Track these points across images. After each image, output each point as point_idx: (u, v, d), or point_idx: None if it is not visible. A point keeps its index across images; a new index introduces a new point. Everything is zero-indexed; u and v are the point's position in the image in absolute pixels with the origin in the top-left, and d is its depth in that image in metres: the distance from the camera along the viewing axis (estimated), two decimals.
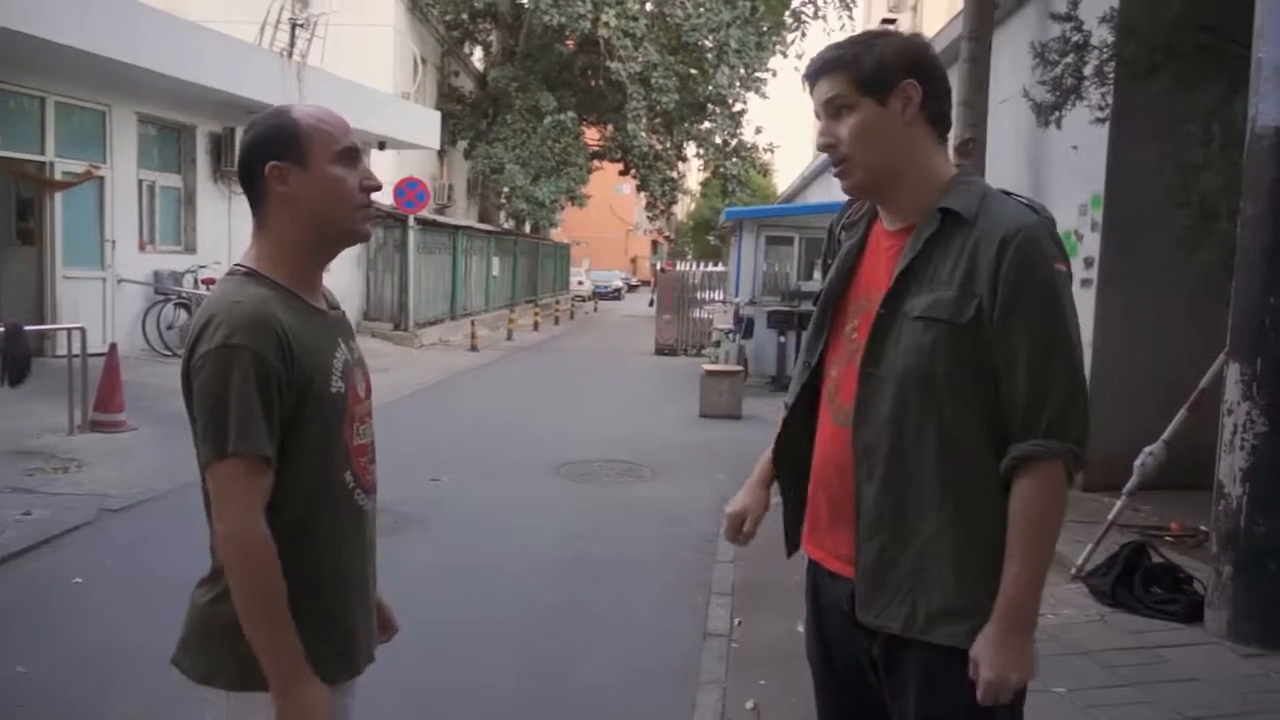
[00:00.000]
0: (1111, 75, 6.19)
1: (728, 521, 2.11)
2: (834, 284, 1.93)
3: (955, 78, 8.03)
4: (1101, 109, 6.33)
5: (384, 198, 18.49)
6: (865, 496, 1.79)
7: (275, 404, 1.66)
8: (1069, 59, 6.26)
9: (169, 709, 3.81)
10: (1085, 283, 6.99)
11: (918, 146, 1.80)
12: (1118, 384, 6.63)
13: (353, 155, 1.79)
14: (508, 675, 4.22)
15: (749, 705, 3.89)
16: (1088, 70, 6.23)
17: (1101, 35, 6.17)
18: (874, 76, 1.77)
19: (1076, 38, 6.26)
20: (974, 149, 7.60)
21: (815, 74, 1.84)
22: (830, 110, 1.81)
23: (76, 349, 8.58)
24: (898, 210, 1.85)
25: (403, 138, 18.37)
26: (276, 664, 1.64)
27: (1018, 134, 8.01)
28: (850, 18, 26.15)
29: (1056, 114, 6.47)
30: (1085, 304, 6.92)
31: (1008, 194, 1.81)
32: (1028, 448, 1.67)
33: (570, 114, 26.54)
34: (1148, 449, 5.10)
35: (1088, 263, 7.02)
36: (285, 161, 1.73)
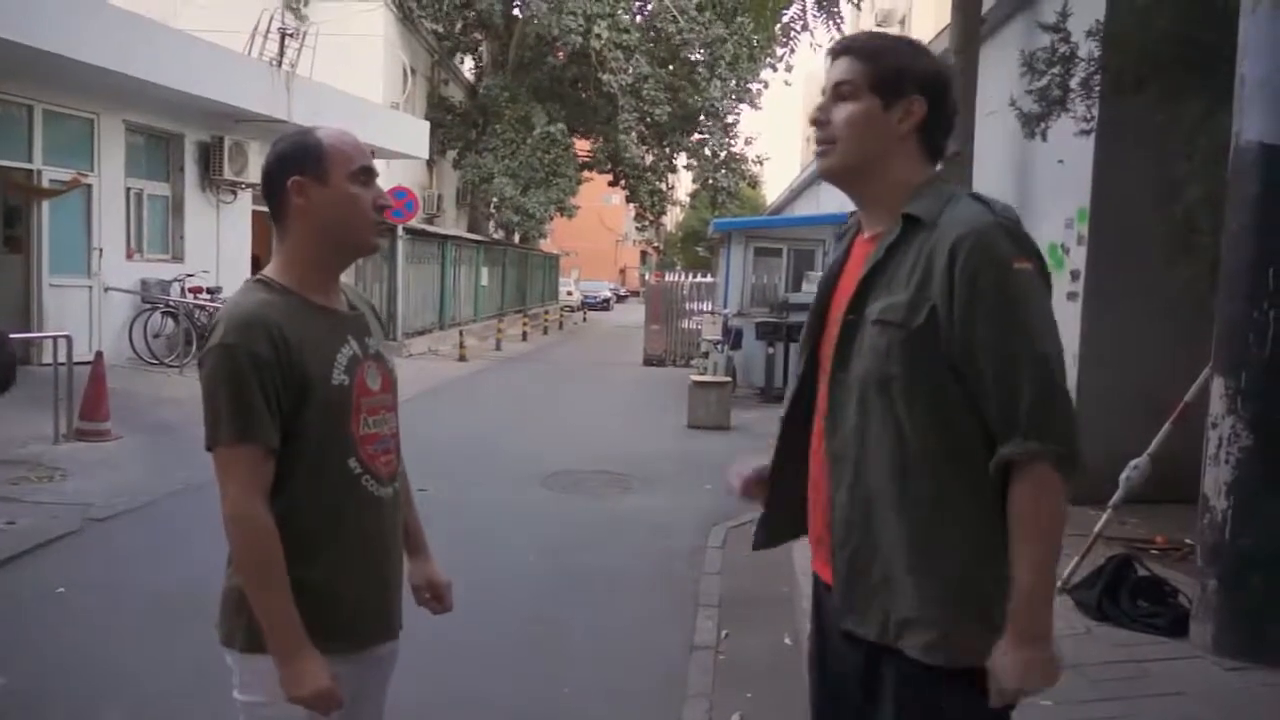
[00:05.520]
0: (1097, 88, 6.22)
1: (742, 478, 2.11)
2: (820, 295, 1.95)
3: None
4: (1087, 120, 6.36)
5: None
6: (837, 504, 1.80)
7: (272, 394, 1.82)
8: (1056, 70, 6.29)
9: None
10: (1071, 296, 7.02)
11: (899, 157, 1.81)
12: (1103, 397, 6.65)
13: (367, 175, 1.96)
14: (491, 690, 4.21)
15: (735, 718, 3.88)
16: (1074, 82, 6.27)
17: (1088, 48, 6.20)
18: (889, 78, 1.79)
19: (1064, 49, 6.29)
20: (961, 161, 7.63)
21: (841, 51, 1.86)
22: (836, 92, 1.83)
23: (63, 357, 8.54)
24: (873, 215, 1.87)
25: (392, 147, 18.35)
26: (274, 633, 1.82)
27: (1005, 147, 8.05)
28: (840, 30, 26.22)
29: (1043, 125, 6.50)
30: (1071, 317, 6.95)
31: (976, 197, 1.80)
32: (1008, 451, 1.65)
33: (560, 126, 26.55)
34: (1133, 462, 5.11)
35: (1074, 276, 7.05)
36: (306, 177, 1.91)
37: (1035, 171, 7.85)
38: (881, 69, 1.79)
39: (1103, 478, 5.38)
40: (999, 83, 7.53)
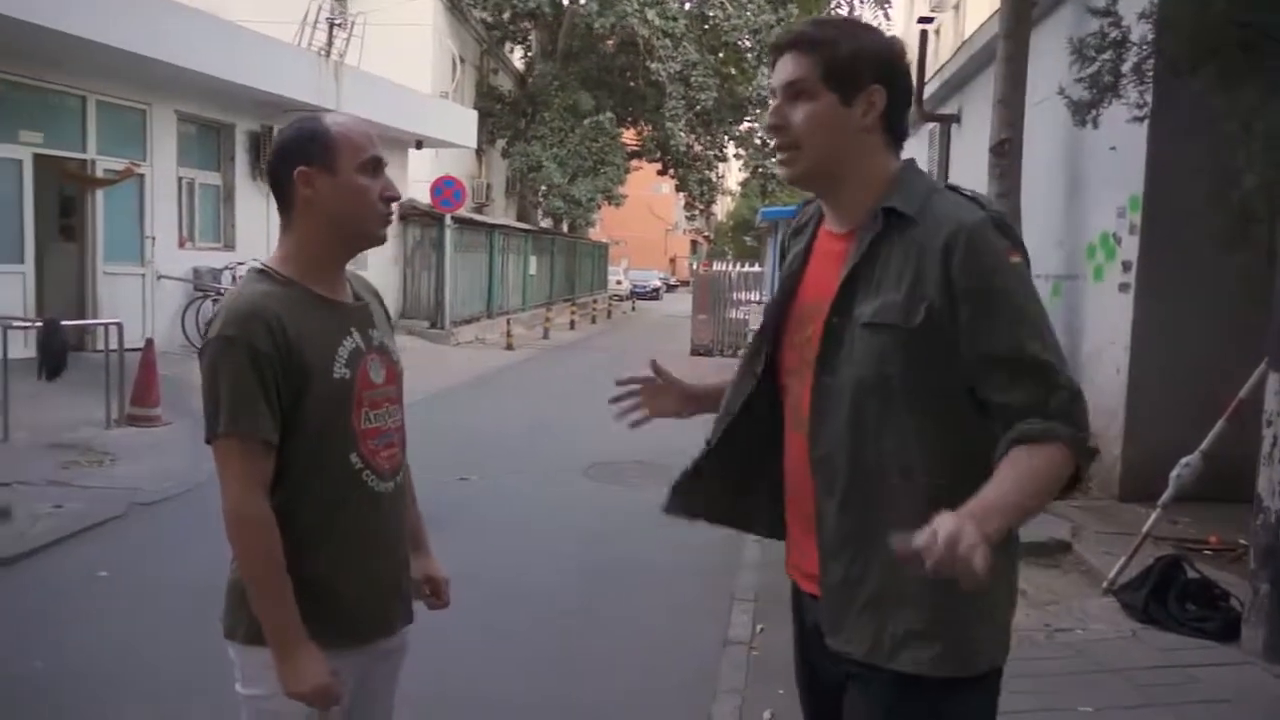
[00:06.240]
0: (1150, 73, 6.02)
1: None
2: (782, 291, 1.86)
3: (992, 78, 7.88)
4: (1140, 107, 6.16)
5: (420, 196, 18.58)
6: (826, 512, 1.71)
7: (271, 387, 1.80)
8: (1107, 55, 6.10)
9: (178, 710, 3.81)
10: (1123, 287, 6.83)
11: (867, 151, 1.72)
12: (1155, 392, 6.48)
13: (376, 165, 1.91)
14: (520, 683, 4.18)
15: (766, 715, 3.82)
16: (1126, 67, 6.07)
17: (1141, 32, 6.01)
18: (844, 71, 1.68)
19: (1115, 34, 6.10)
20: (1010, 150, 7.46)
21: (784, 47, 1.73)
22: (789, 93, 1.71)
23: (115, 344, 8.70)
24: (842, 212, 1.77)
25: (440, 137, 18.45)
26: (273, 629, 1.81)
27: (1055, 135, 7.85)
28: (887, 17, 25.92)
29: (1094, 112, 6.31)
30: (1123, 310, 6.77)
31: (954, 189, 1.72)
32: (1025, 427, 1.55)
33: (609, 114, 26.55)
34: (1184, 460, 4.97)
35: (1125, 267, 6.86)
36: (313, 167, 1.86)
37: (1086, 159, 7.65)
38: (834, 61, 1.67)
39: (1153, 474, 5.24)
40: (1048, 71, 7.34)
